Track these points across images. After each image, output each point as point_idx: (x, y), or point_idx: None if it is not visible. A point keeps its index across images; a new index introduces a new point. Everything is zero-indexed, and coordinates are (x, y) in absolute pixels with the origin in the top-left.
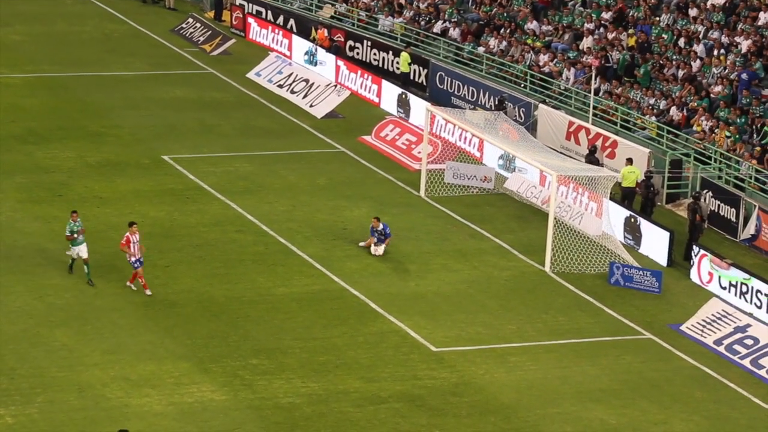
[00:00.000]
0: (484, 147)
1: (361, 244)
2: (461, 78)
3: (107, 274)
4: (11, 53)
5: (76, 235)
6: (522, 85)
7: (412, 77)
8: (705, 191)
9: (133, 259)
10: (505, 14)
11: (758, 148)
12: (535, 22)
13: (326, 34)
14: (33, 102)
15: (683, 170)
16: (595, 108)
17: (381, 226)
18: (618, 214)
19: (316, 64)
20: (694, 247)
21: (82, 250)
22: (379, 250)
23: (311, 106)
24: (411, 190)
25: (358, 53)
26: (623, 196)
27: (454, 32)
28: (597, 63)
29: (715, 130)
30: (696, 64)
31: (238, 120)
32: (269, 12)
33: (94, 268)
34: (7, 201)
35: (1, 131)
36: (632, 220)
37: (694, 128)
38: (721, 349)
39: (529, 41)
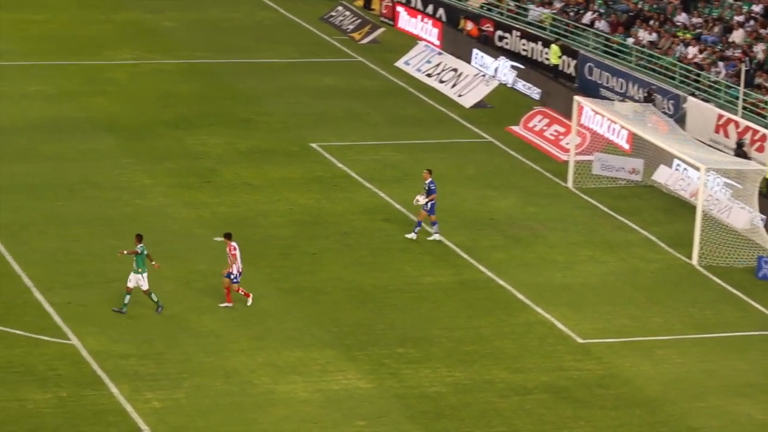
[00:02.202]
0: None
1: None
2: (610, 69)
3: (256, 261)
4: (164, 39)
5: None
6: (671, 78)
7: (561, 68)
8: None
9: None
10: (654, 6)
11: None
12: (684, 14)
13: (469, 26)
14: (184, 88)
15: None
16: (744, 101)
17: (428, 180)
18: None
19: None
20: None
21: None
22: (420, 199)
23: (460, 95)
24: (558, 181)
25: (507, 43)
26: None
27: (601, 24)
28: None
29: None
30: None
31: (387, 109)
32: (418, 1)
33: (247, 255)
34: (158, 186)
35: (153, 117)
36: None
37: None
38: None
39: (678, 33)
